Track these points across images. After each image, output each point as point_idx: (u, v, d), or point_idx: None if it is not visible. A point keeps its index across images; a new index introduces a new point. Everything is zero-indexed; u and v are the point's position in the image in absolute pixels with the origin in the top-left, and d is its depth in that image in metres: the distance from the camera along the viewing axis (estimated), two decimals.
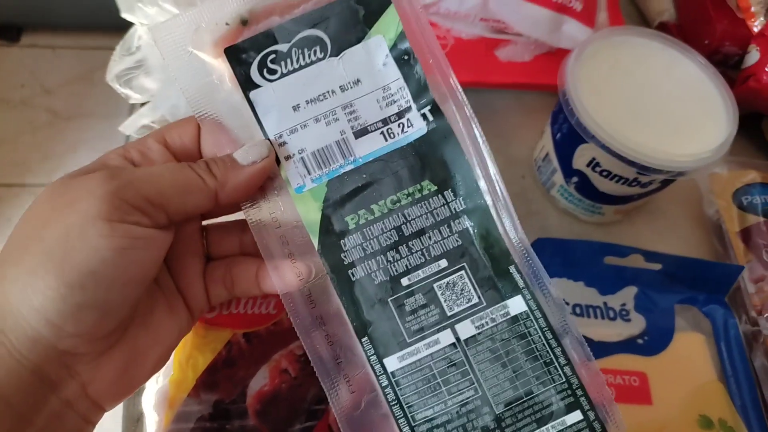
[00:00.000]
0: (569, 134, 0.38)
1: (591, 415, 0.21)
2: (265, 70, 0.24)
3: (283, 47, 0.24)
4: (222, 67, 0.24)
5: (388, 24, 0.24)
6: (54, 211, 0.19)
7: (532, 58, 0.43)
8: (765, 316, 0.38)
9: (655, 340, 0.37)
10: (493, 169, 0.24)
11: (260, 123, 0.24)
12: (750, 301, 0.39)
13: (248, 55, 0.23)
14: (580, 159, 0.38)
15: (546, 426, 0.21)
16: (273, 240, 0.23)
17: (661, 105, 0.38)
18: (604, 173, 0.38)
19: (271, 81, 0.24)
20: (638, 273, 0.38)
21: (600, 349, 0.36)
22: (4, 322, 0.19)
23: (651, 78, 0.39)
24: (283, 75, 0.24)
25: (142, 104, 0.40)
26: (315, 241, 0.23)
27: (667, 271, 0.38)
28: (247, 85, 0.24)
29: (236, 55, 0.23)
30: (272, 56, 0.24)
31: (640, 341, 0.37)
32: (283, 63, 0.24)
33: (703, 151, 0.35)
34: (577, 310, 0.37)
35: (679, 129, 0.37)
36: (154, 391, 0.28)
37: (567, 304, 0.38)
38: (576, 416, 0.21)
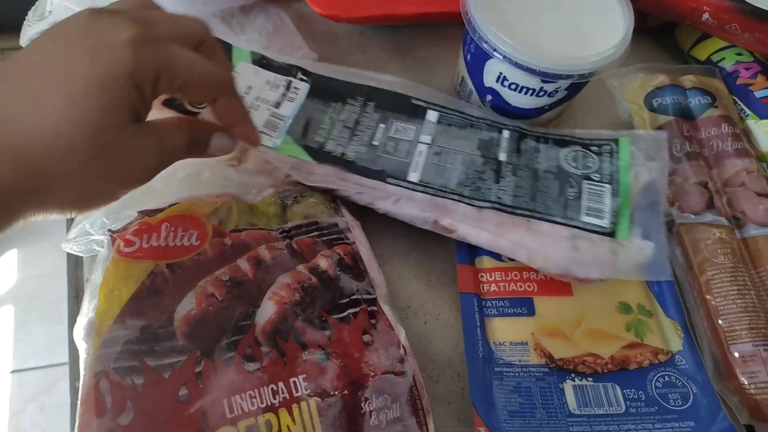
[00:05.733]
0: (476, 53, 0.39)
1: None
2: None
3: None
4: None
5: (240, 54, 0.40)
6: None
7: None
8: (676, 205, 0.40)
9: None
10: (373, 75, 0.42)
11: None
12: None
13: None
14: (490, 76, 0.40)
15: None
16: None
17: (559, 15, 0.39)
18: (513, 86, 0.39)
19: None
20: None
21: None
22: None
23: None
24: None
25: None
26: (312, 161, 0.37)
27: None
28: None
29: None
30: None
31: None
32: None
33: (599, 52, 0.36)
34: None
35: (578, 36, 0.38)
36: (83, 324, 0.29)
37: None
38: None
